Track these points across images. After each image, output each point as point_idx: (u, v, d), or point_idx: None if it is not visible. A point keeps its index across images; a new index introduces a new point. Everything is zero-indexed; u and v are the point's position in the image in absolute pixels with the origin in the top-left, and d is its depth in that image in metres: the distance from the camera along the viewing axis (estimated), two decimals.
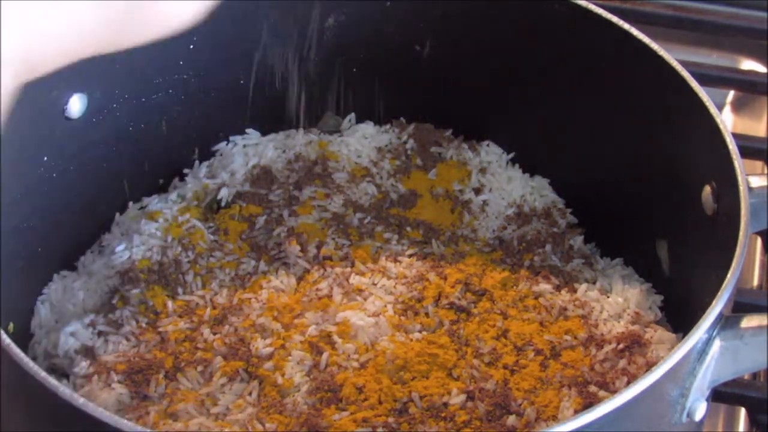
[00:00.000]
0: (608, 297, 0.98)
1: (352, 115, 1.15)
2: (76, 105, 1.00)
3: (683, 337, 0.79)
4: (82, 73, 0.98)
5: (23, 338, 0.97)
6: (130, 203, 1.08)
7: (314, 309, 0.95)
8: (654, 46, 0.99)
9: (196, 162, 1.12)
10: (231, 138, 1.13)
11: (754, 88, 1.37)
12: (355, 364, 0.91)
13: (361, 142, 1.12)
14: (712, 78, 1.32)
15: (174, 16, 0.65)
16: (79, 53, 0.62)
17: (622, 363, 0.90)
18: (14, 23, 0.59)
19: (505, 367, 0.91)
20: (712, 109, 0.93)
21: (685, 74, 0.96)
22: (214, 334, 0.94)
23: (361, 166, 1.10)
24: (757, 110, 1.40)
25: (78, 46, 0.63)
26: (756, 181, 0.90)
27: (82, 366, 0.92)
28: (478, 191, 1.09)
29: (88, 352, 0.93)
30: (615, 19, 1.02)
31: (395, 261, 1.01)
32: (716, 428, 1.10)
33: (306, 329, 0.93)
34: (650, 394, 0.76)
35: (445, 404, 0.88)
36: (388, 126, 1.14)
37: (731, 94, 1.41)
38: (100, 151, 1.04)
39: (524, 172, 1.12)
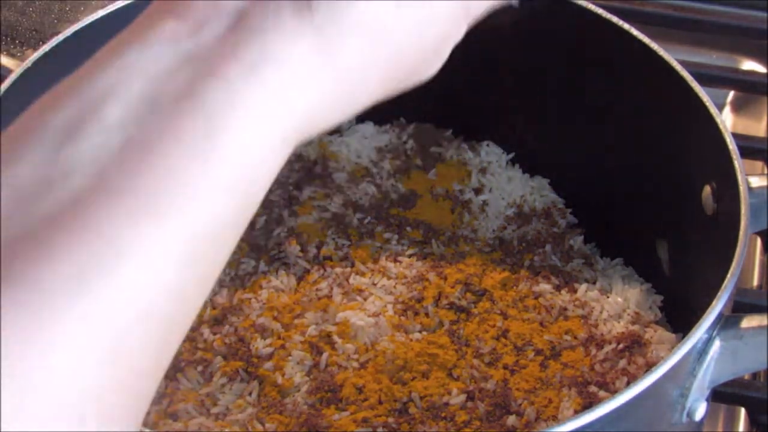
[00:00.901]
0: (608, 297, 0.98)
1: None
2: None
3: (683, 337, 0.79)
4: None
5: None
6: None
7: (314, 309, 0.95)
8: (654, 46, 0.99)
9: None
10: None
11: (754, 88, 1.37)
12: (355, 364, 0.91)
13: (361, 142, 1.12)
14: (712, 78, 1.32)
15: None
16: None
17: (622, 363, 0.90)
18: None
19: (505, 367, 0.91)
20: (712, 109, 0.93)
21: (685, 74, 0.96)
22: (214, 334, 0.94)
23: (361, 166, 1.10)
24: (757, 110, 1.40)
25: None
26: (756, 181, 0.90)
27: None
28: (478, 191, 1.09)
29: None
30: (615, 19, 1.02)
31: (395, 261, 1.01)
32: (716, 428, 1.10)
33: (306, 329, 0.93)
34: (650, 394, 0.76)
35: (445, 404, 0.88)
36: (388, 126, 1.14)
37: (731, 94, 1.41)
38: None
39: (524, 172, 1.12)
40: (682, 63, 0.98)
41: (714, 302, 0.80)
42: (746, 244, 0.85)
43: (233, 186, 0.46)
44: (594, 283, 1.00)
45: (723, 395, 1.06)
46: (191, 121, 0.45)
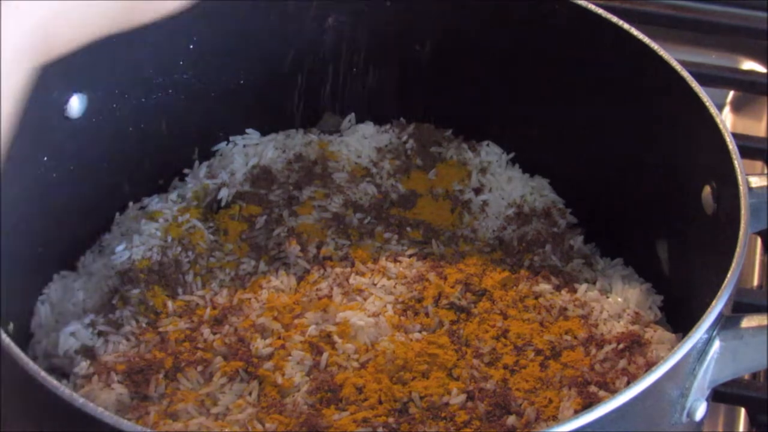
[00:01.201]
0: (608, 297, 0.98)
1: (352, 115, 1.15)
2: (76, 105, 1.00)
3: (683, 337, 0.79)
4: (83, 72, 0.98)
5: (23, 338, 0.97)
6: (130, 203, 1.08)
7: (314, 309, 0.95)
8: (654, 46, 0.99)
9: (196, 162, 1.12)
10: (231, 138, 1.13)
11: (754, 88, 1.37)
12: (355, 364, 0.91)
13: (361, 142, 1.12)
14: (712, 78, 1.32)
15: None
16: (95, 33, 0.60)
17: (622, 363, 0.90)
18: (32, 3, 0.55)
19: (505, 367, 0.91)
20: (712, 109, 0.93)
21: (685, 74, 0.96)
22: (214, 334, 0.94)
23: (361, 166, 1.10)
24: (757, 110, 1.40)
25: (95, 26, 0.60)
26: (756, 181, 0.90)
27: (82, 366, 0.92)
28: (478, 191, 1.09)
29: (88, 352, 0.93)
30: (615, 19, 1.02)
31: (395, 261, 1.01)
32: (716, 428, 1.10)
33: (306, 329, 0.93)
34: (650, 394, 0.76)
35: (445, 404, 0.88)
36: (388, 126, 1.14)
37: (731, 94, 1.41)
38: (100, 150, 1.04)
39: (524, 172, 1.12)
40: (682, 63, 0.98)
41: (714, 302, 0.80)
42: (746, 244, 0.85)
43: None
44: (594, 283, 1.00)
45: (723, 395, 1.06)
46: None
